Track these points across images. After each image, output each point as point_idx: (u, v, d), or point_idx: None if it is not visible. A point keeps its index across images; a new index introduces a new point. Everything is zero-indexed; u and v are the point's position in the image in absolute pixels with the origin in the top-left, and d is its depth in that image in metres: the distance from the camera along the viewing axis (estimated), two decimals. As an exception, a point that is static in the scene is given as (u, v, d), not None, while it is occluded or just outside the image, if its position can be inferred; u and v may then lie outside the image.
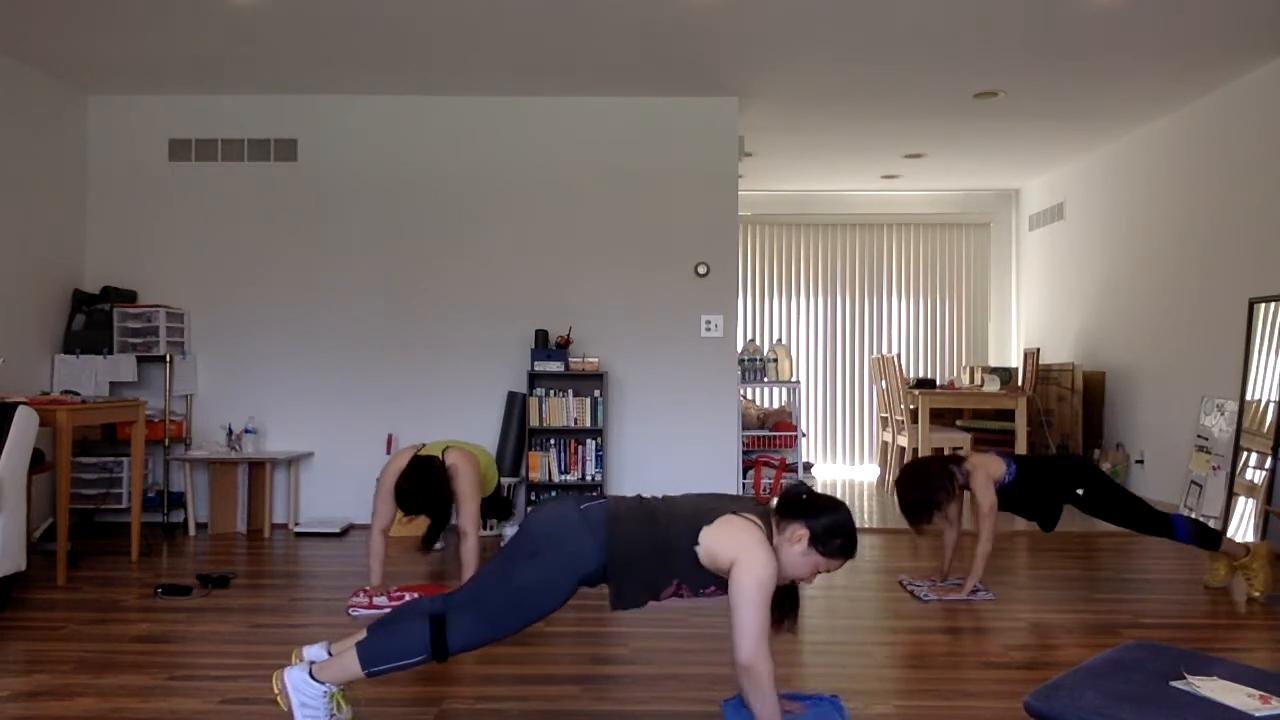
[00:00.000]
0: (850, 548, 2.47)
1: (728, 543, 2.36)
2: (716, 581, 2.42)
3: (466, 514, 3.93)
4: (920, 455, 4.31)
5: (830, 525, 2.44)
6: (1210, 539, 4.14)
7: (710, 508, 2.45)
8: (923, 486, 4.14)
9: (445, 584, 4.15)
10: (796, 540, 2.43)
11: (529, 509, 5.60)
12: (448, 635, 2.40)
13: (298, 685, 2.46)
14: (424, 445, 4.13)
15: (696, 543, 2.40)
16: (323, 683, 2.46)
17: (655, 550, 2.41)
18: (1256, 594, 4.10)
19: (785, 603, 2.56)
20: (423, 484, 3.84)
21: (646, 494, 2.65)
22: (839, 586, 4.39)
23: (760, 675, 2.28)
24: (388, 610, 3.84)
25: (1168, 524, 4.10)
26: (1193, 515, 5.57)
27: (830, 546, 2.43)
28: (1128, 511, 4.13)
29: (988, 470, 4.15)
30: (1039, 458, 4.31)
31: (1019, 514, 4.30)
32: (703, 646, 3.36)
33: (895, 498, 4.27)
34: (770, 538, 2.42)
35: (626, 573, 2.42)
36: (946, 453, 7.28)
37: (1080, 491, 4.15)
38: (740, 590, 2.30)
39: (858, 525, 5.98)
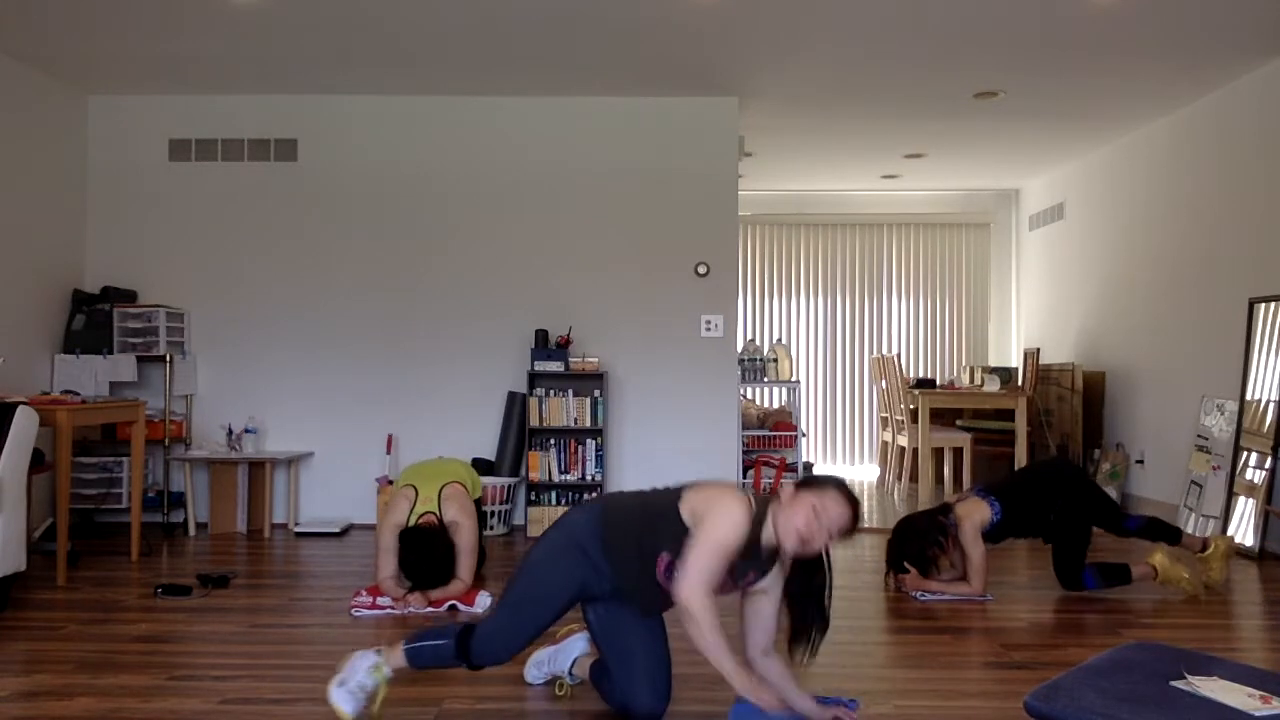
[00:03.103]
0: (842, 487, 2.47)
1: (706, 499, 2.45)
2: None
3: (464, 566, 3.99)
4: (906, 517, 4.34)
5: (816, 473, 2.56)
6: (1164, 532, 4.19)
7: (701, 480, 2.58)
8: (915, 543, 4.16)
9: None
10: (786, 493, 2.47)
11: (528, 509, 5.61)
12: (472, 641, 2.52)
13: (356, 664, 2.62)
14: (416, 491, 4.09)
15: (680, 500, 2.49)
16: (379, 653, 2.62)
17: (646, 520, 2.50)
18: (1201, 586, 4.16)
19: (810, 608, 2.54)
20: (427, 558, 3.86)
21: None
22: (839, 587, 4.39)
23: (694, 615, 2.35)
24: (390, 610, 3.85)
25: (1124, 522, 4.20)
26: (1192, 515, 5.57)
27: (817, 486, 2.46)
28: (1102, 513, 4.17)
29: (973, 520, 4.13)
30: (1017, 480, 4.30)
31: (1025, 536, 4.28)
32: (703, 646, 3.35)
33: (886, 557, 4.29)
34: (753, 508, 2.46)
35: (619, 545, 2.51)
36: (949, 451, 7.29)
37: (1052, 517, 4.17)
38: (700, 536, 2.39)
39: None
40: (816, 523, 2.41)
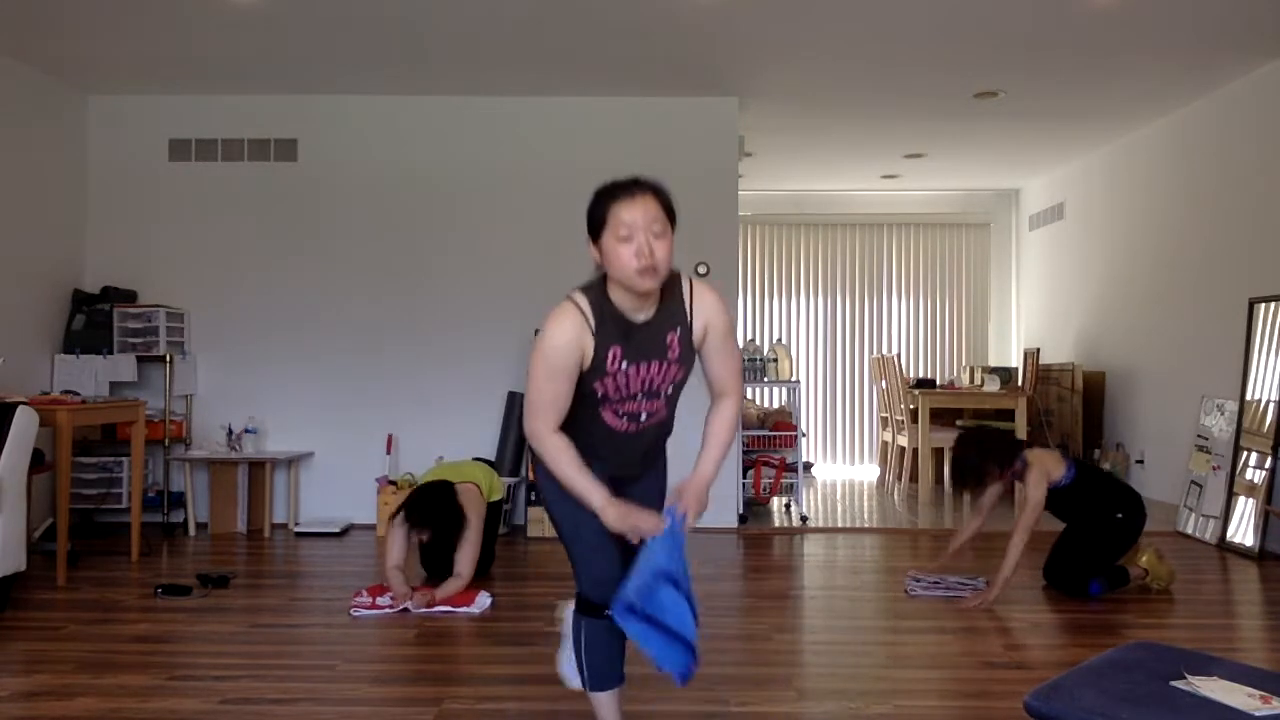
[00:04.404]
0: (604, 196, 2.13)
1: None
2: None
3: (465, 556, 4.03)
4: (985, 426, 4.28)
5: (588, 213, 2.18)
6: (1118, 579, 4.17)
7: None
8: (983, 453, 4.13)
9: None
10: (593, 255, 2.16)
11: (528, 509, 5.61)
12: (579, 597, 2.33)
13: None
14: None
15: None
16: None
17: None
18: (1159, 586, 4.23)
19: None
20: (435, 502, 3.96)
21: None
22: (839, 586, 4.39)
23: (539, 444, 2.17)
24: (390, 610, 3.84)
25: (1084, 587, 4.12)
26: (1192, 515, 5.57)
27: (594, 219, 2.13)
28: (1108, 549, 4.14)
29: (1045, 466, 4.09)
30: (1099, 470, 4.30)
31: (1070, 519, 4.24)
32: (703, 646, 3.35)
33: (952, 467, 4.26)
34: (580, 299, 2.17)
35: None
36: (949, 451, 7.28)
37: (1120, 515, 4.14)
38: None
39: (857, 525, 5.99)
40: (633, 241, 2.07)
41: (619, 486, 2.30)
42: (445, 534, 4.01)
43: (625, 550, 2.27)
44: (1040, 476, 4.05)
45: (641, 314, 2.19)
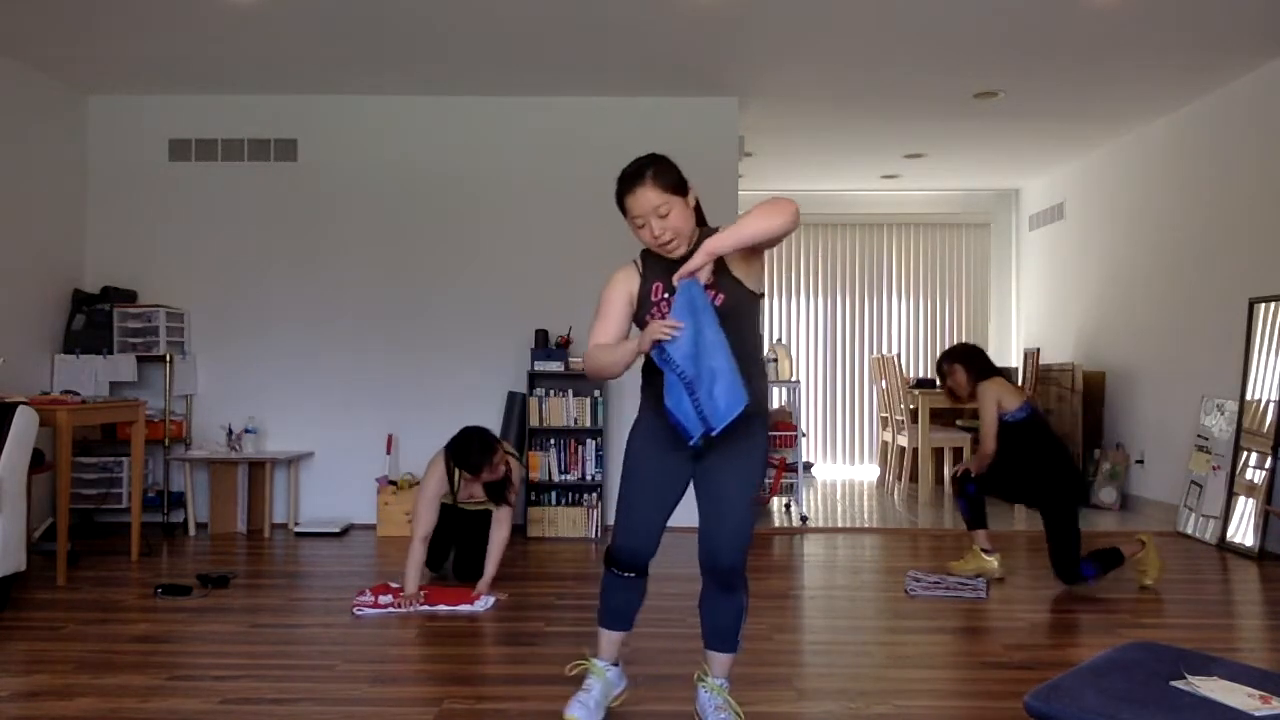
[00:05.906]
0: (617, 186, 2.55)
1: None
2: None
3: (497, 541, 4.12)
4: (978, 347, 4.67)
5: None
6: (1112, 560, 4.18)
7: None
8: (958, 355, 4.54)
9: (468, 585, 4.14)
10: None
11: (528, 509, 5.61)
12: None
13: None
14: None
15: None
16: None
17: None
18: (1149, 582, 4.24)
19: None
20: (481, 436, 4.12)
21: None
22: (839, 586, 4.39)
23: (588, 359, 2.53)
24: (392, 610, 3.84)
25: (1077, 573, 4.16)
26: (1192, 515, 5.57)
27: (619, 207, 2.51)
28: (1063, 543, 4.16)
29: (996, 394, 4.33)
30: (1053, 434, 4.35)
31: (1022, 476, 4.31)
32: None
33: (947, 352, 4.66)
34: (635, 259, 2.61)
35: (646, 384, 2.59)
36: (949, 451, 7.28)
37: (1065, 478, 4.21)
38: None
39: (857, 525, 5.99)
40: (646, 227, 2.46)
41: (708, 464, 2.49)
42: (495, 482, 4.11)
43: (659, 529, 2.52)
44: (986, 399, 4.35)
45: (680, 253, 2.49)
